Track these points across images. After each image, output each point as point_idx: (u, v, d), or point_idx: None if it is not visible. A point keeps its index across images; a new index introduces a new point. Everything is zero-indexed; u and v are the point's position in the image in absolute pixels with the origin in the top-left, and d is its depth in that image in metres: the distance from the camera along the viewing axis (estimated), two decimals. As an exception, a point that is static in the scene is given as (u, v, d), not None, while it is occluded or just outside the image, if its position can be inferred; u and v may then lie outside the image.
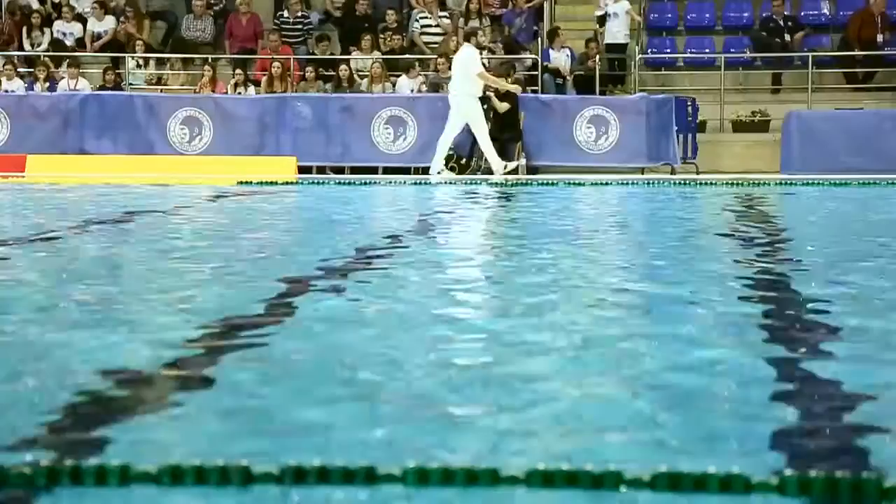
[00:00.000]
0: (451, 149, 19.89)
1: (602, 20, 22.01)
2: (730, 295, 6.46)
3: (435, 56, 21.72)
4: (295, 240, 10.27)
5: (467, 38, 19.50)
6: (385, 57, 22.06)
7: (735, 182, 17.24)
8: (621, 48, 22.08)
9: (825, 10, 23.29)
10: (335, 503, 2.99)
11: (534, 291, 6.51)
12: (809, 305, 6.12)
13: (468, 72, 18.75)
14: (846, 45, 22.05)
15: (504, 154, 19.93)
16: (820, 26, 23.03)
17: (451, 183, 18.01)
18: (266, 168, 19.07)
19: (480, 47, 19.52)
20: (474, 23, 22.67)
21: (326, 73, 22.05)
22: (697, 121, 20.66)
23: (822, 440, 3.59)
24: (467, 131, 20.04)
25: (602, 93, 21.22)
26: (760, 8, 23.21)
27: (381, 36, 22.75)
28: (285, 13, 23.16)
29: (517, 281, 7.09)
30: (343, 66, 21.53)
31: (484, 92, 19.93)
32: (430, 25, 22.83)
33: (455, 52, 21.64)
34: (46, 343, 5.01)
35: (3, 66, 22.02)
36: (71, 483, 3.03)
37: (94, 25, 23.44)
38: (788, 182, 17.98)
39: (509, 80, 20.13)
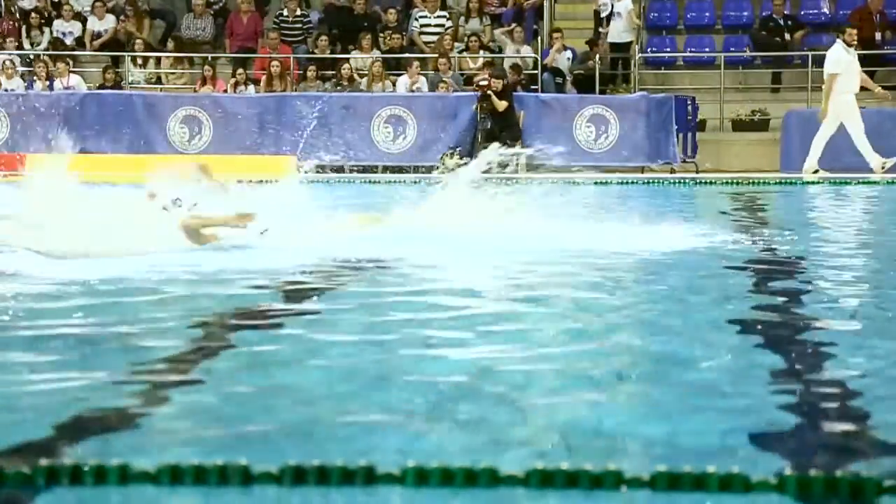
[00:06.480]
0: (451, 147, 19.85)
1: (607, 19, 21.95)
2: (730, 293, 6.46)
3: (435, 55, 21.69)
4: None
5: (838, 34, 19.15)
6: (385, 56, 22.04)
7: (734, 181, 17.22)
8: (624, 47, 22.06)
9: (825, 9, 23.29)
10: (335, 503, 2.99)
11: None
12: (812, 302, 6.11)
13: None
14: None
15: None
16: (820, 25, 23.02)
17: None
18: (265, 167, 19.04)
19: (849, 44, 18.84)
20: (474, 21, 22.64)
21: (326, 73, 22.03)
22: (697, 120, 20.65)
23: (821, 440, 3.58)
24: (467, 130, 20.00)
25: (602, 92, 21.19)
26: (760, 7, 23.21)
27: (381, 35, 22.74)
28: (284, 12, 23.15)
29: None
30: (346, 66, 21.50)
31: (484, 91, 19.89)
32: (429, 25, 22.81)
33: (450, 51, 21.62)
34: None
35: (3, 65, 21.98)
36: (71, 483, 3.03)
37: (93, 24, 23.43)
38: (788, 181, 17.96)
39: (505, 80, 20.07)
